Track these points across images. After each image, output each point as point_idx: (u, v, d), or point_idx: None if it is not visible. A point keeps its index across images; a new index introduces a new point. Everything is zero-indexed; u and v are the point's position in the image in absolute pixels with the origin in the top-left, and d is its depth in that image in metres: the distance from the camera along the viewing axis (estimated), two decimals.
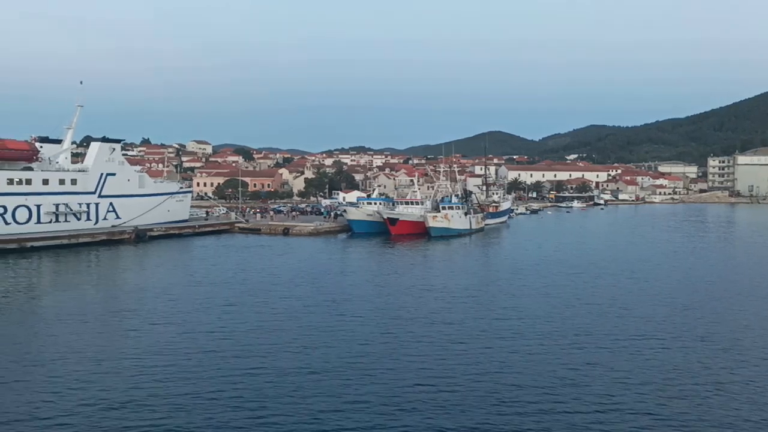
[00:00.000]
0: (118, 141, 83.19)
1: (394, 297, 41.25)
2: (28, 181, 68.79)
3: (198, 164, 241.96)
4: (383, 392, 22.64)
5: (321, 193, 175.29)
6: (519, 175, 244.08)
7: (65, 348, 27.93)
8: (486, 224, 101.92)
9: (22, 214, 67.66)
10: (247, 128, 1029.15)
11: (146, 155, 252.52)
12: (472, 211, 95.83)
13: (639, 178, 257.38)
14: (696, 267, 57.29)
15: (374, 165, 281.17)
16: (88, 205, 75.04)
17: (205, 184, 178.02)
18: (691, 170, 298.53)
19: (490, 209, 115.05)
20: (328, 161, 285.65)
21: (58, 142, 79.56)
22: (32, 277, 49.38)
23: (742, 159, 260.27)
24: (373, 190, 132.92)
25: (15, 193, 67.09)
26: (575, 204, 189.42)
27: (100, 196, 76.62)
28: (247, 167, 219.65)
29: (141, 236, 73.76)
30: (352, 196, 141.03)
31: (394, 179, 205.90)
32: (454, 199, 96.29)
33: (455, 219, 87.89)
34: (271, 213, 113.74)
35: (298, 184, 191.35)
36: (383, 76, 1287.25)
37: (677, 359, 27.08)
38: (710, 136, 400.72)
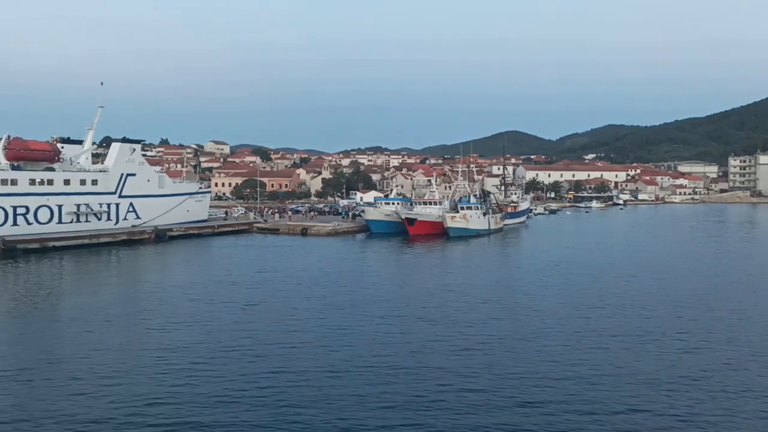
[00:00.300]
0: (138, 142, 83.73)
1: (415, 297, 41.02)
2: (50, 182, 69.41)
3: (216, 164, 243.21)
4: (407, 392, 22.45)
5: (338, 194, 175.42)
6: (537, 175, 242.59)
7: (89, 347, 28.04)
8: (505, 224, 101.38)
9: (44, 214, 68.28)
10: (264, 128, 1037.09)
11: (165, 155, 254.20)
12: (490, 211, 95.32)
13: (659, 178, 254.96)
14: (719, 267, 56.54)
15: (391, 165, 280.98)
16: (108, 205, 75.57)
17: (223, 185, 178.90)
18: (712, 170, 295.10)
19: (509, 209, 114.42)
20: (345, 161, 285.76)
21: (79, 142, 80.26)
22: (54, 277, 49.75)
23: (763, 158, 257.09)
24: (391, 190, 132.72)
25: (37, 194, 67.73)
26: (594, 204, 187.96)
27: (120, 196, 77.15)
28: (264, 167, 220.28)
29: (161, 236, 74.15)
30: (370, 196, 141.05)
31: (411, 179, 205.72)
32: (473, 199, 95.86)
33: (474, 219, 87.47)
34: (289, 213, 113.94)
35: (316, 185, 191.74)
36: (400, 76, 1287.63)
37: (704, 361, 26.64)
38: (731, 135, 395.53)
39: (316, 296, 40.65)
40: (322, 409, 20.84)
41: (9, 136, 69.59)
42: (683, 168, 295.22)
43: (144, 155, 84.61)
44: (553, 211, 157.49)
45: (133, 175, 79.18)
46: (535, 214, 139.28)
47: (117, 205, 76.72)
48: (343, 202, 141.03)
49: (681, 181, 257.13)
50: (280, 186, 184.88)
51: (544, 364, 26.07)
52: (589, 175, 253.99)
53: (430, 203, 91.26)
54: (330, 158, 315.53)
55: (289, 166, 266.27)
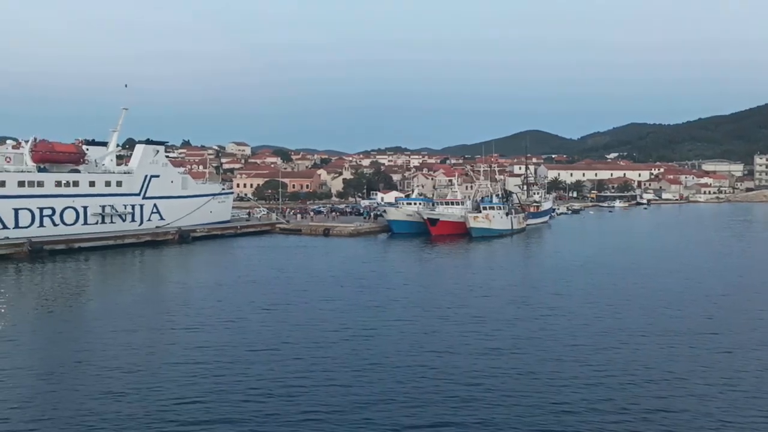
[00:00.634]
0: (162, 143, 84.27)
1: (440, 298, 40.77)
2: (76, 183, 70.10)
3: (237, 165, 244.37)
4: (436, 392, 22.25)
5: (359, 194, 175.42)
6: (558, 174, 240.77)
7: (117, 346, 28.16)
8: (527, 224, 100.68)
9: (69, 216, 68.98)
10: (283, 129, 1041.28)
11: (187, 157, 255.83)
12: (513, 211, 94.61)
13: (683, 177, 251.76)
14: (748, 267, 55.61)
15: (411, 165, 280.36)
16: (133, 206, 76.16)
17: (245, 185, 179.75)
18: (737, 168, 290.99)
19: (532, 209, 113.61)
20: (365, 162, 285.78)
21: (104, 144, 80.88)
22: (81, 278, 50.16)
23: None
24: (413, 190, 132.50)
25: (63, 195, 68.43)
26: (617, 204, 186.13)
27: (144, 197, 77.71)
28: (285, 168, 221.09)
29: (184, 237, 74.55)
30: (390, 196, 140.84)
31: (432, 179, 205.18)
32: (495, 199, 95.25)
33: (497, 219, 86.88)
34: (311, 214, 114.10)
35: (337, 185, 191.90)
36: (418, 76, 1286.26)
37: (738, 363, 26.11)
38: (756, 133, 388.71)
39: (340, 297, 40.56)
40: (351, 409, 20.70)
41: (35, 139, 70.35)
42: (707, 167, 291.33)
43: (167, 156, 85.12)
44: (575, 211, 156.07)
45: (157, 176, 79.73)
46: (558, 214, 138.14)
47: (141, 206, 77.29)
48: (365, 203, 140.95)
49: (706, 180, 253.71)
50: (302, 186, 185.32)
51: (574, 364, 25.70)
52: (611, 175, 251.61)
53: (452, 203, 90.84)
54: (350, 158, 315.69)
55: (309, 166, 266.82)
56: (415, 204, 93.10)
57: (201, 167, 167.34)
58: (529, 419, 20.02)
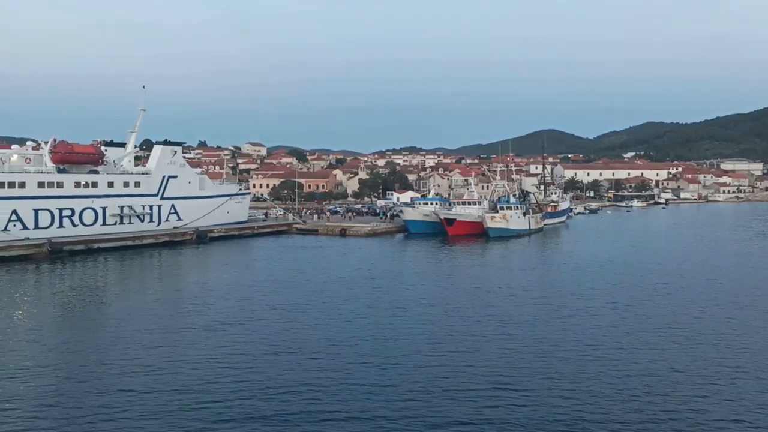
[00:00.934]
0: (179, 144, 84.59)
1: (458, 298, 40.57)
2: (95, 184, 70.57)
3: (253, 166, 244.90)
4: (458, 390, 22.09)
5: (375, 194, 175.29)
6: (575, 174, 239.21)
7: (138, 346, 28.24)
8: (545, 224, 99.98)
9: (88, 216, 69.45)
10: (299, 130, 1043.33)
11: (203, 157, 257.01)
12: (530, 211, 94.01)
13: (701, 176, 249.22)
14: None
15: (426, 165, 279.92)
16: (151, 207, 76.55)
17: (261, 186, 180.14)
18: (756, 167, 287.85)
19: (549, 209, 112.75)
20: (381, 162, 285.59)
21: (122, 145, 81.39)
22: (100, 278, 50.45)
23: None
24: (429, 190, 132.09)
25: (82, 196, 68.92)
26: (635, 203, 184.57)
27: (162, 198, 78.09)
28: (301, 168, 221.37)
29: (202, 237, 74.79)
30: (406, 196, 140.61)
31: (448, 179, 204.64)
32: (512, 199, 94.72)
33: (514, 219, 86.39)
34: (327, 214, 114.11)
35: (352, 185, 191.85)
36: (432, 76, 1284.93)
37: (766, 363, 25.69)
38: None
39: (358, 297, 40.46)
40: (373, 408, 20.60)
41: (55, 140, 70.92)
42: (726, 166, 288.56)
43: (184, 157, 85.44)
44: (593, 211, 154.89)
45: (175, 177, 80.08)
46: (576, 214, 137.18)
47: (159, 206, 77.67)
48: (381, 203, 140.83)
49: (724, 179, 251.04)
50: (317, 187, 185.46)
51: (597, 363, 25.44)
52: (629, 174, 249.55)
53: (469, 203, 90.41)
54: (365, 159, 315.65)
55: (324, 167, 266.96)
56: (431, 204, 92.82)
57: (217, 168, 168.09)
58: (553, 419, 19.81)
